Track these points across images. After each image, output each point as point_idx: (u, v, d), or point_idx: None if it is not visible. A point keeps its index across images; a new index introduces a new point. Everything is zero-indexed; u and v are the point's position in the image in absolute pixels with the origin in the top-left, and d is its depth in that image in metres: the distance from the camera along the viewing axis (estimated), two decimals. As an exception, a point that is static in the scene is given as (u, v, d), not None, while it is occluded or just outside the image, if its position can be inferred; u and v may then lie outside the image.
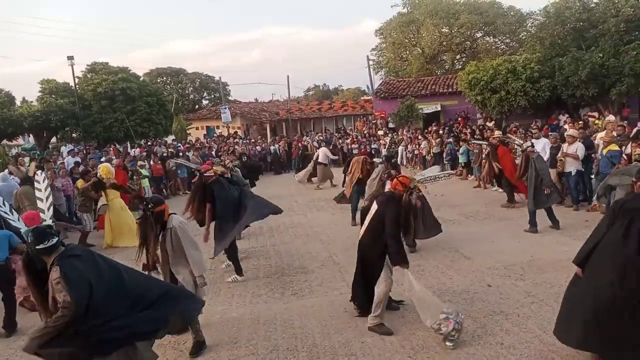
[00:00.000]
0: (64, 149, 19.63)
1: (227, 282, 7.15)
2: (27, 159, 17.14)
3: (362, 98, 45.30)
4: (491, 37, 34.89)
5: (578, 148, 10.20)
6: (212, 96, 48.79)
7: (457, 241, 8.35)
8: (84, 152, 18.95)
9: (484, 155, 13.04)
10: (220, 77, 41.65)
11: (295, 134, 31.65)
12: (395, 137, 22.08)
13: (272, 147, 23.18)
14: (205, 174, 7.25)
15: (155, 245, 4.94)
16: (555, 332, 4.40)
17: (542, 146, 11.28)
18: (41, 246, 3.55)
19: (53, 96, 23.69)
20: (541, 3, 51.96)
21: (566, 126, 15.03)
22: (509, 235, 8.68)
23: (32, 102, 25.26)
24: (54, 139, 27.23)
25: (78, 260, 3.57)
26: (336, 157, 19.37)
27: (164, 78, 46.64)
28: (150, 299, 3.85)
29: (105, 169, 10.35)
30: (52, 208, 4.50)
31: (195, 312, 4.54)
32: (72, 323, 3.38)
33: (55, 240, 3.62)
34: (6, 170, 11.38)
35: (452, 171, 5.90)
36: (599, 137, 10.82)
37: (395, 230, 4.99)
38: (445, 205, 11.65)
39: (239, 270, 7.23)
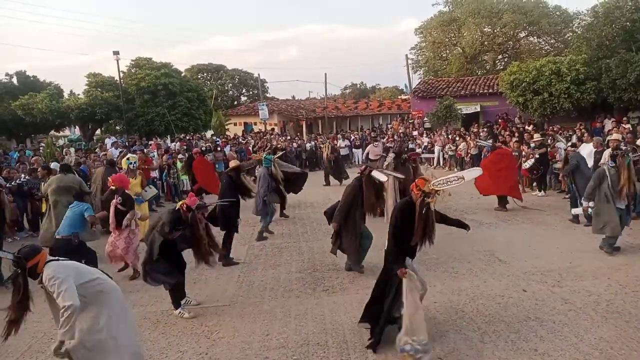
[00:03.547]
0: (108, 141, 20.32)
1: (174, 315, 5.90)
2: (72, 149, 17.89)
3: (399, 97, 44.95)
4: (535, 37, 33.92)
5: (623, 153, 9.82)
6: (251, 93, 49.37)
7: (493, 244, 8.21)
8: (127, 144, 19.56)
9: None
10: (259, 74, 42.05)
11: (331, 131, 31.71)
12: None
13: (307, 145, 23.28)
14: None
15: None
16: None
17: (589, 151, 10.93)
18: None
19: (99, 89, 24.54)
20: (589, 3, 50.28)
21: (612, 130, 14.50)
22: (547, 240, 8.46)
23: (79, 94, 26.23)
24: (98, 131, 28.23)
25: None
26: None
27: (205, 74, 47.48)
28: None
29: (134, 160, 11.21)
30: None
31: None
32: None
33: None
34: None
35: (460, 174, 5.12)
36: None
37: (393, 232, 4.78)
38: (482, 207, 11.47)
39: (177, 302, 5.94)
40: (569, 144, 11.91)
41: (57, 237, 7.02)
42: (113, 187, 7.47)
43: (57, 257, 3.99)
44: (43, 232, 8.77)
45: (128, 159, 10.32)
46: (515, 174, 11.54)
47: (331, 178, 16.65)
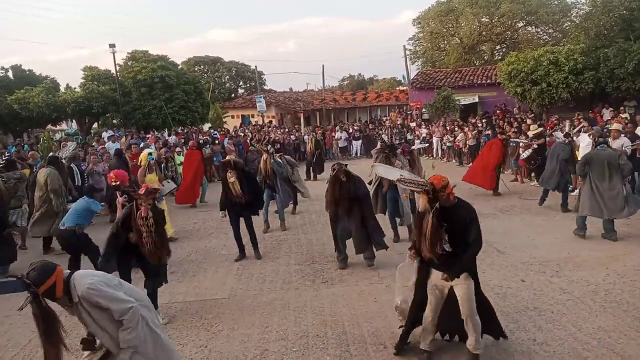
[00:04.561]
0: (105, 135, 20.22)
1: None
2: (69, 143, 17.80)
3: (397, 88, 44.84)
4: (533, 27, 33.77)
5: (624, 143, 9.76)
6: (248, 85, 49.15)
7: (491, 235, 8.20)
8: (126, 137, 19.47)
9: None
10: (256, 67, 41.78)
11: (329, 123, 31.65)
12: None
13: (305, 137, 23.18)
14: None
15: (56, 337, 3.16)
16: None
17: (588, 141, 10.91)
18: None
19: (95, 83, 24.38)
20: (588, -8, 50.01)
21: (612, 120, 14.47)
22: (545, 230, 8.48)
23: (75, 88, 26.07)
24: (95, 125, 28.10)
25: None
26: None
27: (201, 66, 47.21)
28: None
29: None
30: None
31: None
32: None
33: None
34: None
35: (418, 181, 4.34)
36: None
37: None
38: (481, 198, 11.47)
39: None
40: (565, 132, 11.92)
41: (60, 227, 7.07)
42: (114, 183, 7.31)
43: (74, 269, 3.51)
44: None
45: (150, 154, 9.84)
46: (493, 166, 11.70)
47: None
